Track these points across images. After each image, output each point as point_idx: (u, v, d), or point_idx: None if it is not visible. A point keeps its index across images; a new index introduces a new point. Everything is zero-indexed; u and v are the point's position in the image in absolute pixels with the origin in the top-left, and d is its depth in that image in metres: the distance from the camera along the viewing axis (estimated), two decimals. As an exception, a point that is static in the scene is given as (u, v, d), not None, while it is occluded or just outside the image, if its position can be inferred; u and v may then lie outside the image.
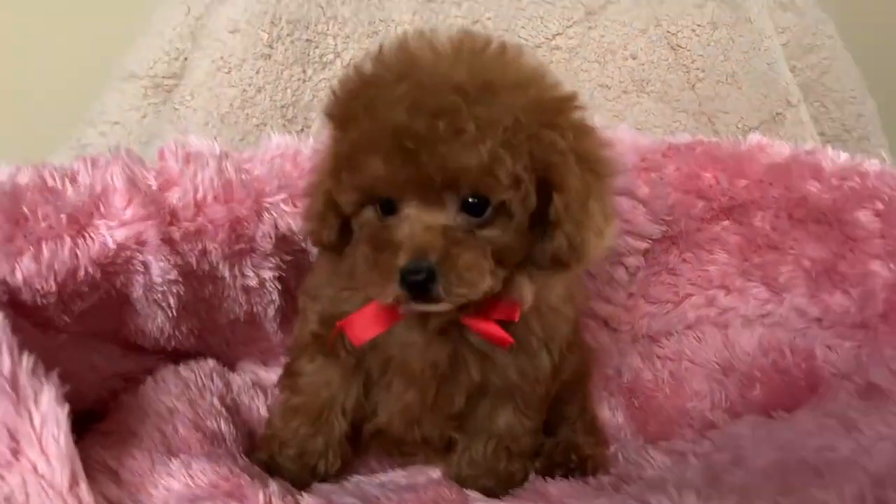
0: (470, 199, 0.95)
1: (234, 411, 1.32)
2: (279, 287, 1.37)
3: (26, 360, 0.88)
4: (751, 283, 1.61)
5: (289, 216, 1.30)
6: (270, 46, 1.74)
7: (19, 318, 1.01)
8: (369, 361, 1.16)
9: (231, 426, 1.25)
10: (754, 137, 1.58)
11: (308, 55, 1.79)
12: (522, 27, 1.95)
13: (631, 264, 1.62)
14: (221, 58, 1.72)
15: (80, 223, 1.12)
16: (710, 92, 2.00)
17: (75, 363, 1.17)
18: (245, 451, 1.23)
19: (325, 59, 1.81)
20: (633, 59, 1.98)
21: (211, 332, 1.41)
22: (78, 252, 1.11)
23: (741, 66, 2.00)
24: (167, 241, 1.19)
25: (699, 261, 1.63)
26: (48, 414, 0.85)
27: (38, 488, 0.82)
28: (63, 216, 1.10)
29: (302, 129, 1.78)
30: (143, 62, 1.87)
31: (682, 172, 1.56)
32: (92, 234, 1.12)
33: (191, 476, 1.03)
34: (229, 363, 1.48)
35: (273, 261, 1.33)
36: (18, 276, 1.05)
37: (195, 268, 1.25)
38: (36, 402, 0.86)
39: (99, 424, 1.16)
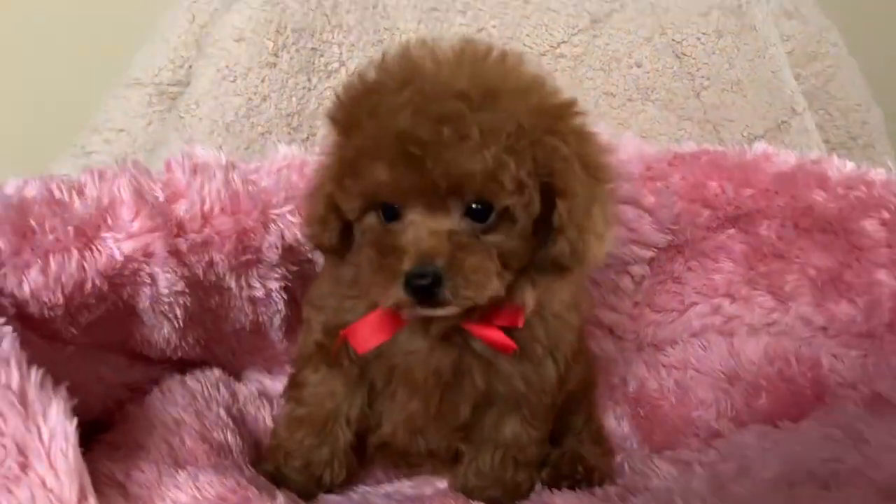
0: (474, 205, 0.96)
1: (240, 422, 1.32)
2: (285, 297, 1.37)
3: (35, 375, 0.88)
4: (756, 291, 1.61)
5: (295, 227, 1.29)
6: (276, 55, 1.74)
7: (27, 331, 1.02)
8: (373, 371, 1.16)
9: (237, 437, 1.25)
10: (760, 146, 1.58)
11: (313, 64, 1.80)
12: (527, 35, 1.95)
13: (636, 273, 1.62)
14: (227, 66, 1.72)
15: (87, 236, 1.12)
16: (715, 100, 2.00)
17: (82, 374, 1.17)
18: (251, 461, 1.23)
19: (330, 68, 1.81)
20: (638, 67, 1.98)
21: (216, 342, 1.41)
22: (85, 264, 1.11)
23: (746, 74, 2.00)
24: (174, 252, 1.19)
25: (705, 269, 1.63)
26: (56, 428, 0.85)
27: (47, 503, 0.82)
28: (70, 229, 1.10)
29: (307, 138, 1.78)
30: (147, 70, 1.88)
31: (687, 181, 1.56)
32: (99, 247, 1.12)
33: (198, 488, 1.03)
34: (234, 372, 1.49)
35: (279, 271, 1.33)
36: (26, 288, 1.06)
37: (202, 279, 1.25)
38: (44, 416, 0.86)
39: (105, 435, 1.17)
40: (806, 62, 2.16)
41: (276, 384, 1.48)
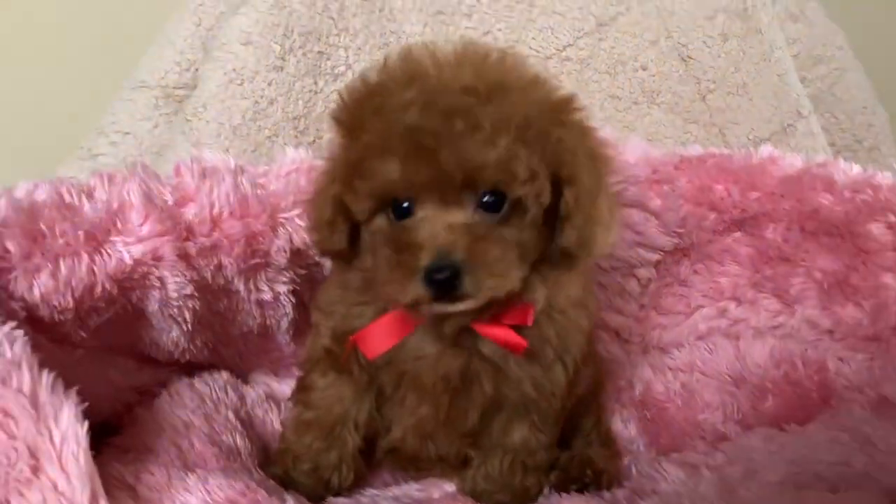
0: (485, 199, 0.97)
1: (248, 425, 1.33)
2: (293, 300, 1.38)
3: (46, 378, 0.88)
4: (762, 294, 1.61)
5: (303, 231, 1.30)
6: (283, 58, 1.75)
7: (37, 335, 1.02)
8: (382, 377, 1.16)
9: (246, 440, 1.25)
10: (766, 150, 1.58)
11: (320, 67, 1.80)
12: (533, 38, 1.95)
13: (643, 276, 1.62)
14: (234, 70, 1.73)
15: (97, 239, 1.12)
16: (721, 103, 2.00)
17: (91, 377, 1.17)
18: (259, 464, 1.24)
19: (336, 71, 1.81)
20: (644, 70, 1.98)
21: (224, 345, 1.41)
22: (95, 268, 1.11)
23: (752, 78, 2.00)
24: (183, 256, 1.19)
25: (711, 272, 1.64)
26: (68, 431, 0.85)
27: (59, 506, 0.82)
28: (80, 233, 1.10)
29: (314, 141, 1.78)
30: (154, 72, 1.88)
31: (694, 185, 1.56)
32: (109, 251, 1.13)
33: (208, 491, 1.03)
34: (241, 375, 1.49)
35: (287, 275, 1.34)
36: (36, 292, 1.06)
37: (210, 282, 1.25)
38: (56, 419, 0.86)
39: (115, 438, 1.17)
40: (811, 65, 2.16)
41: (284, 387, 1.48)
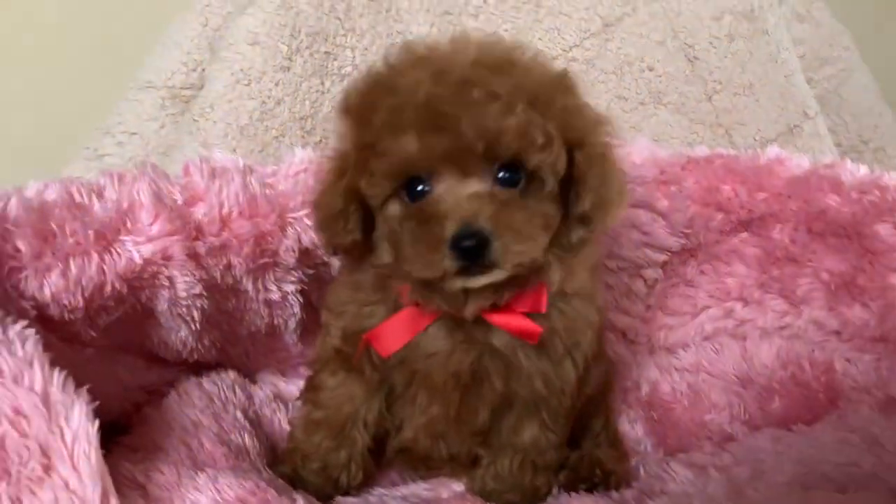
0: (501, 175, 0.98)
1: (256, 424, 1.33)
2: (301, 300, 1.38)
3: (57, 377, 0.88)
4: (769, 295, 1.61)
5: (312, 231, 1.30)
6: (290, 59, 1.75)
7: (47, 334, 1.02)
8: (394, 377, 1.17)
9: (254, 440, 1.26)
10: (773, 151, 1.58)
11: (326, 67, 1.80)
12: (539, 39, 1.95)
13: (649, 276, 1.62)
14: (241, 70, 1.73)
15: (107, 239, 1.12)
16: (728, 104, 2.00)
17: (100, 376, 1.16)
18: (267, 464, 1.24)
19: (343, 72, 1.81)
20: (650, 70, 1.98)
21: (232, 344, 1.42)
22: (105, 268, 1.11)
23: (758, 78, 2.00)
24: (192, 256, 1.19)
25: (717, 273, 1.63)
26: (79, 430, 0.85)
27: (70, 505, 0.82)
28: (90, 232, 1.11)
29: (320, 141, 1.79)
30: (160, 73, 1.88)
31: (701, 185, 1.56)
32: (118, 250, 1.13)
33: (218, 490, 1.03)
34: (249, 374, 1.50)
35: (296, 275, 1.34)
36: (47, 292, 1.06)
37: (219, 282, 1.25)
38: (67, 418, 0.86)
39: (124, 438, 1.18)
40: (818, 66, 2.16)
41: (291, 387, 1.49)
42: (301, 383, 1.31)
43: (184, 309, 1.23)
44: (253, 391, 1.43)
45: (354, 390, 1.19)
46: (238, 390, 1.38)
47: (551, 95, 0.99)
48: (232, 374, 1.43)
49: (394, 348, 1.09)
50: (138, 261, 1.14)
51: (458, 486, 1.25)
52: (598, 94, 1.95)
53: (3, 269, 1.03)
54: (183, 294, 1.21)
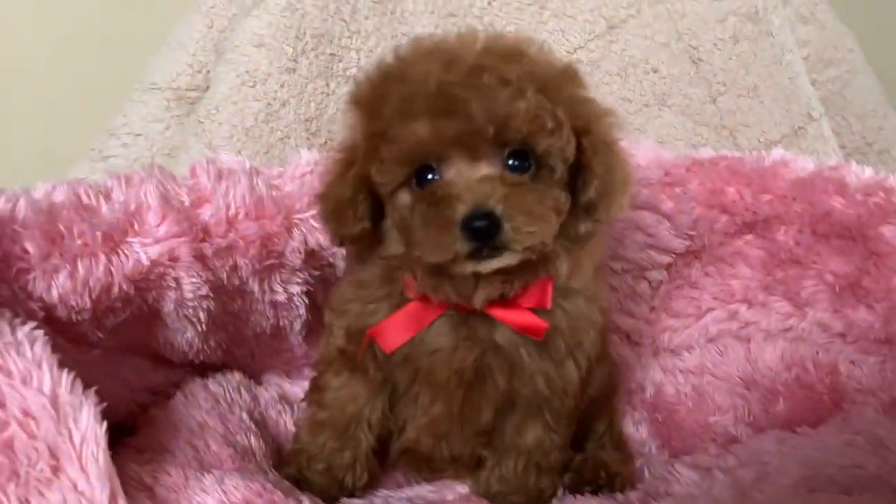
0: (511, 162, 0.99)
1: (262, 426, 1.33)
2: (306, 301, 1.38)
3: (66, 378, 0.89)
4: (773, 297, 1.61)
5: (318, 232, 1.30)
6: (295, 60, 1.75)
7: (55, 335, 1.02)
8: (397, 375, 1.17)
9: (260, 441, 1.26)
10: (778, 153, 1.59)
11: (332, 69, 1.80)
12: (544, 41, 1.94)
13: (654, 278, 1.63)
14: (247, 72, 1.73)
15: (114, 240, 1.13)
16: (732, 106, 2.00)
17: (107, 377, 1.17)
18: (273, 465, 1.24)
19: (348, 73, 1.81)
20: (655, 72, 1.98)
21: (237, 346, 1.42)
22: (112, 269, 1.12)
23: (763, 80, 2.00)
24: (199, 257, 1.20)
25: (722, 275, 1.64)
26: (87, 432, 0.86)
27: (79, 506, 0.83)
28: (98, 234, 1.11)
29: (325, 143, 1.79)
30: (165, 74, 1.88)
31: (705, 187, 1.56)
32: (126, 251, 1.13)
33: (224, 492, 1.03)
34: (254, 375, 1.50)
35: (301, 276, 1.34)
36: (54, 293, 1.07)
37: (225, 283, 1.25)
38: (75, 420, 0.86)
39: (130, 439, 1.18)
40: (822, 68, 2.16)
41: (296, 388, 1.49)
42: (306, 384, 1.31)
43: (190, 310, 1.24)
44: (258, 392, 1.43)
45: (358, 390, 1.19)
46: (243, 391, 1.39)
47: (559, 83, 1.01)
48: (237, 376, 1.43)
49: (397, 343, 1.09)
50: (145, 262, 1.15)
51: (463, 488, 1.25)
52: (602, 95, 1.92)
53: (11, 270, 1.04)
54: (189, 295, 1.21)
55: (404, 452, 1.24)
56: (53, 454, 0.84)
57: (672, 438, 1.47)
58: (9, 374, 0.86)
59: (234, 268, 1.25)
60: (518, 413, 1.18)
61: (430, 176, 1.00)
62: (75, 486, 0.83)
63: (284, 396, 1.46)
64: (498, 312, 1.07)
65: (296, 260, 1.31)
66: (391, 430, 1.23)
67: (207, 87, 1.84)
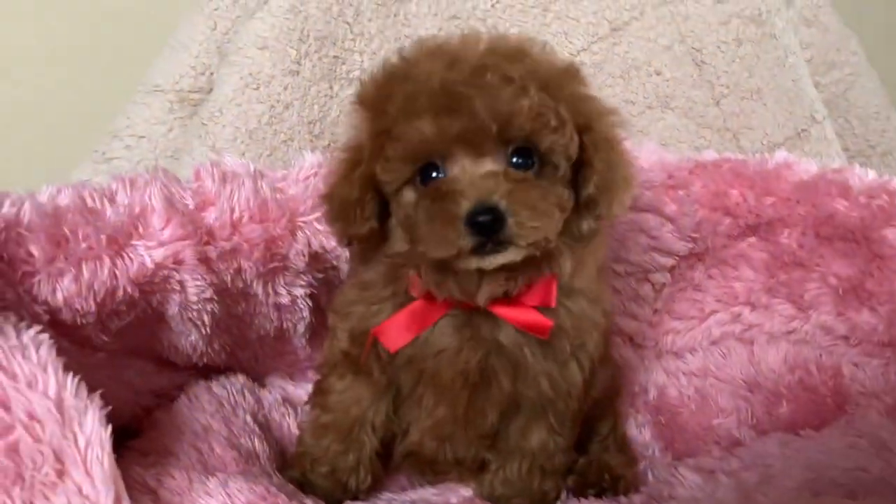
0: (515, 160, 0.99)
1: (266, 428, 1.33)
2: (310, 304, 1.38)
3: (71, 382, 0.89)
4: (776, 299, 1.60)
5: (322, 235, 1.31)
6: (298, 63, 1.75)
7: (60, 338, 1.02)
8: (402, 377, 1.17)
9: (264, 444, 1.26)
10: (781, 155, 1.59)
11: (335, 71, 1.81)
12: (546, 42, 1.94)
13: (657, 281, 1.63)
14: (250, 74, 1.74)
15: (119, 243, 1.13)
16: (735, 108, 2.00)
17: (112, 380, 1.18)
18: (277, 468, 1.24)
19: (351, 76, 1.82)
20: (658, 75, 1.98)
21: (241, 348, 1.42)
22: (117, 272, 1.12)
23: (766, 83, 2.00)
24: (203, 260, 1.20)
25: (725, 277, 1.63)
26: (92, 435, 0.86)
27: (84, 510, 0.83)
28: (103, 237, 1.11)
29: (329, 145, 1.79)
30: (168, 76, 1.88)
31: (709, 190, 1.56)
32: (130, 255, 1.14)
33: (228, 495, 1.03)
34: (257, 378, 1.50)
35: (305, 278, 1.34)
36: (59, 296, 1.07)
37: (230, 286, 1.26)
38: (80, 423, 0.86)
39: (134, 442, 1.18)
40: (825, 70, 2.16)
41: (299, 391, 1.49)
42: (309, 387, 1.31)
43: (194, 313, 1.24)
44: (262, 395, 1.43)
45: (362, 393, 1.19)
46: (247, 394, 1.39)
47: (561, 81, 1.02)
48: (241, 378, 1.43)
49: (401, 343, 1.09)
50: (150, 265, 1.15)
51: (467, 491, 1.25)
52: (605, 98, 1.92)
53: (16, 273, 1.04)
54: (194, 298, 1.21)
55: (408, 455, 1.24)
56: (58, 458, 0.84)
57: (675, 441, 1.47)
58: (14, 378, 0.86)
59: (239, 271, 1.26)
60: (522, 415, 1.18)
61: (434, 174, 1.00)
62: (80, 490, 0.83)
63: (288, 399, 1.46)
64: (502, 311, 1.07)
65: (300, 263, 1.31)
66: (395, 432, 1.23)
67: (211, 90, 1.84)
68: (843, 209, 1.50)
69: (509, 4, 1.94)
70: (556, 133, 0.98)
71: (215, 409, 1.28)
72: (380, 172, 1.01)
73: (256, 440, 1.25)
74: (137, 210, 1.16)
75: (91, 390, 0.90)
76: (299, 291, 1.35)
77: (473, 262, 0.98)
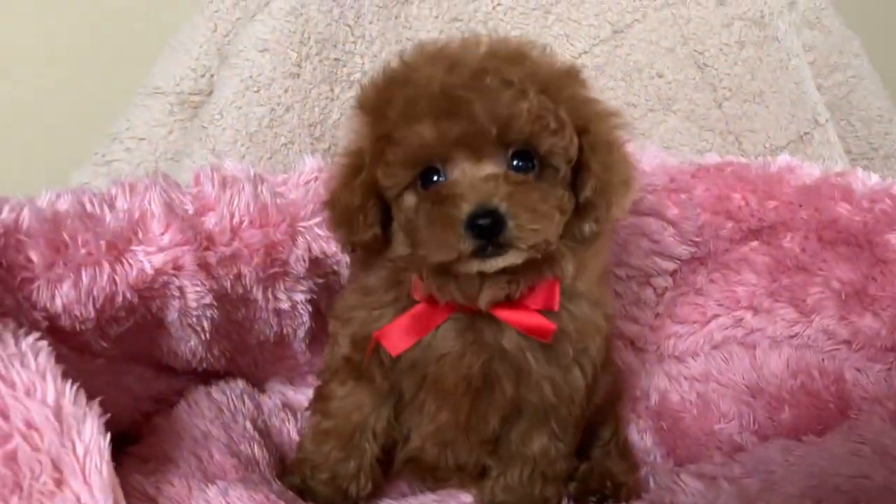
0: (515, 162, 0.99)
1: (265, 434, 1.33)
2: (310, 309, 1.38)
3: (69, 390, 0.88)
4: (779, 304, 1.60)
5: (322, 240, 1.30)
6: (299, 65, 1.75)
7: (58, 345, 1.02)
8: (404, 382, 1.16)
9: (264, 450, 1.26)
10: (784, 159, 1.58)
11: (336, 74, 1.80)
12: (547, 45, 1.94)
13: (658, 285, 1.62)
14: (251, 76, 1.73)
15: (118, 249, 1.12)
16: (738, 111, 1.99)
17: (111, 386, 1.18)
18: (276, 474, 1.24)
19: (352, 78, 1.81)
20: (660, 77, 1.97)
21: (241, 354, 1.42)
22: (116, 278, 1.11)
23: (768, 85, 1.99)
24: (203, 265, 1.20)
25: (727, 281, 1.63)
26: (91, 444, 0.85)
27: (82, 519, 0.82)
28: (102, 242, 1.11)
29: (329, 148, 1.78)
30: (168, 78, 1.88)
31: (711, 193, 1.56)
32: (130, 260, 1.13)
33: (228, 503, 1.03)
34: (257, 383, 1.50)
35: (305, 284, 1.34)
36: (58, 302, 1.06)
37: (229, 291, 1.25)
38: (79, 432, 0.86)
39: (134, 448, 1.18)
40: (828, 73, 2.15)
41: (299, 396, 1.49)
42: (309, 392, 1.31)
43: (194, 319, 1.23)
44: (262, 400, 1.43)
45: (363, 399, 1.19)
46: (247, 399, 1.38)
47: (561, 84, 1.02)
48: (241, 383, 1.43)
49: (403, 347, 1.09)
50: (149, 271, 1.14)
51: (467, 498, 1.24)
52: (607, 100, 1.92)
53: (15, 280, 1.04)
54: (193, 304, 1.21)
55: (409, 461, 1.23)
56: (57, 466, 0.83)
57: (677, 446, 1.46)
58: (12, 386, 0.86)
59: (238, 276, 1.25)
60: (524, 421, 1.18)
61: (435, 178, 1.00)
62: (79, 499, 0.82)
63: (288, 404, 1.46)
64: (504, 314, 1.06)
65: (300, 268, 1.31)
66: (396, 439, 1.23)
67: (211, 92, 1.84)
68: (845, 213, 1.50)
69: (511, 7, 1.93)
70: (556, 135, 0.98)
71: (215, 414, 1.28)
72: (381, 177, 1.01)
73: (256, 446, 1.25)
74: (137, 215, 1.16)
75: (90, 396, 0.90)
76: (299, 297, 1.35)
77: (474, 266, 0.97)
